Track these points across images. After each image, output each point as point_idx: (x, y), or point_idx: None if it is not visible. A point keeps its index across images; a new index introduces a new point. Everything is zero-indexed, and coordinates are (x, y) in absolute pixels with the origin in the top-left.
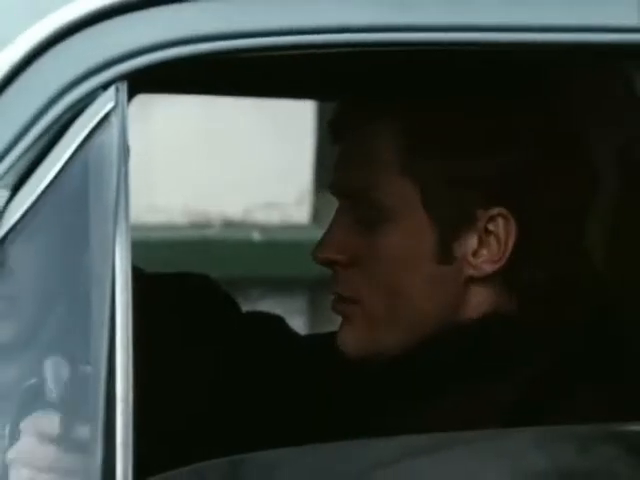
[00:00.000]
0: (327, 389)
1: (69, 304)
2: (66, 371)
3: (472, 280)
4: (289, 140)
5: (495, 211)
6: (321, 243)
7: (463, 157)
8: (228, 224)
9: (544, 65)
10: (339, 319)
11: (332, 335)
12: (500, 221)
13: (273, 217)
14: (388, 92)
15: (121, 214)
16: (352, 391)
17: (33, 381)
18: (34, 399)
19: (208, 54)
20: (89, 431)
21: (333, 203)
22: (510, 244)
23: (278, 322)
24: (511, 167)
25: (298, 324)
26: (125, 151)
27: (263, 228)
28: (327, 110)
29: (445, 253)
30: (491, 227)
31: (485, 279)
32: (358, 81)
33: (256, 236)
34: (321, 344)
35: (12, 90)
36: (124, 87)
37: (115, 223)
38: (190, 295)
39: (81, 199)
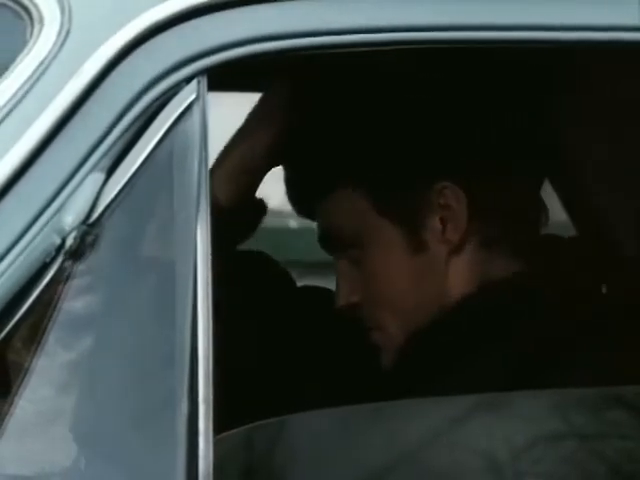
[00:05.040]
0: (373, 355)
1: (155, 278)
2: (155, 337)
3: (451, 254)
4: None
5: (439, 185)
6: (336, 295)
7: (395, 151)
8: (267, 213)
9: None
10: None
11: None
12: (448, 192)
13: None
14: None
15: (202, 196)
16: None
17: (120, 348)
18: (120, 364)
19: (284, 51)
20: (175, 389)
21: None
22: (464, 208)
23: (330, 295)
24: (447, 142)
25: None
26: (206, 138)
27: (298, 217)
28: None
29: (416, 243)
30: (442, 201)
31: (461, 249)
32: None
33: (292, 223)
34: None
35: (108, 82)
36: (204, 80)
37: (197, 204)
38: (250, 269)
39: (166, 181)
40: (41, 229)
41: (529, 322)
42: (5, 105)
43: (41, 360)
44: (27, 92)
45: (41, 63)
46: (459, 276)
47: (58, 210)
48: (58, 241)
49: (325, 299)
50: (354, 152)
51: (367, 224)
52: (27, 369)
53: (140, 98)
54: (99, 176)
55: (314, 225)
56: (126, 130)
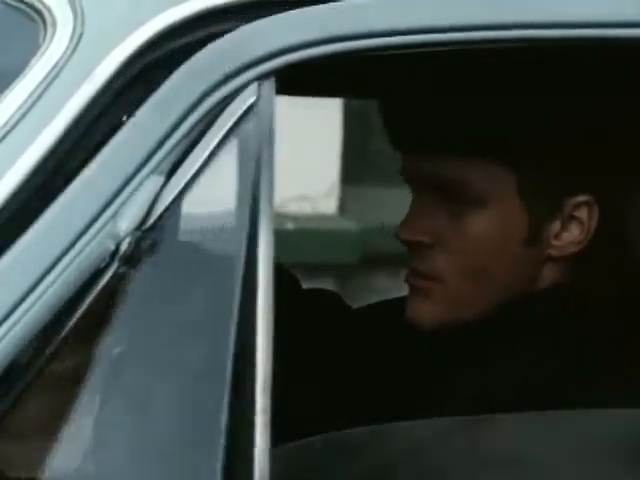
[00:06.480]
0: (384, 355)
1: (213, 282)
2: (211, 345)
3: (550, 259)
4: (319, 138)
5: (581, 198)
6: (405, 225)
7: (555, 148)
8: None
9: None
10: (364, 299)
11: (383, 304)
12: (584, 208)
13: (304, 208)
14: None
15: (265, 199)
16: (413, 356)
17: (174, 355)
18: (173, 372)
19: (351, 53)
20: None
21: (358, 196)
22: (592, 229)
23: (335, 297)
24: (598, 157)
25: None
26: (271, 140)
27: (295, 218)
28: (353, 108)
29: (533, 237)
30: (576, 213)
31: (562, 258)
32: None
33: (289, 226)
34: (374, 313)
35: (170, 83)
36: (271, 82)
37: (259, 207)
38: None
39: (227, 184)
40: (96, 234)
41: (578, 337)
42: (19, 108)
43: (91, 364)
44: (40, 95)
45: (54, 66)
46: (544, 278)
47: (113, 215)
48: (112, 247)
49: (332, 301)
50: (523, 130)
51: (500, 195)
52: (79, 374)
53: (203, 100)
54: (158, 180)
55: (312, 227)
56: (187, 133)
